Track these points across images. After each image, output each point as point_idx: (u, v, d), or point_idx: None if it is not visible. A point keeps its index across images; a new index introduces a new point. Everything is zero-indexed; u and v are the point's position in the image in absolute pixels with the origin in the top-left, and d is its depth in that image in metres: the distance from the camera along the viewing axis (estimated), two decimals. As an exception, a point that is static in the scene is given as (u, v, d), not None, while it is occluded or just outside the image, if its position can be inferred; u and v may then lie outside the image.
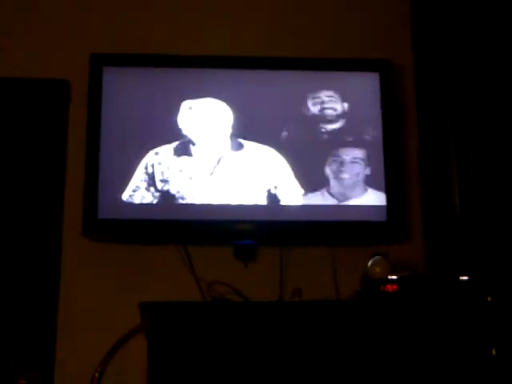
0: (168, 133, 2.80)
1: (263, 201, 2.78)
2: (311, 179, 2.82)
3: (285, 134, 2.84)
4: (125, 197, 2.74)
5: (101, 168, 2.74)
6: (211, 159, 2.80)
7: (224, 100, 2.84)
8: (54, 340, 2.70)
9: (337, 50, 2.99)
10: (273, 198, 2.79)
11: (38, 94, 2.88)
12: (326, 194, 2.81)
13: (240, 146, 2.82)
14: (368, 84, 2.92)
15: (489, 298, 2.46)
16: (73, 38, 2.96)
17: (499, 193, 2.62)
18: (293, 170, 2.81)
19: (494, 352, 2.42)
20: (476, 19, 2.85)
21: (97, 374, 2.66)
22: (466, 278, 2.49)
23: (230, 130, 2.83)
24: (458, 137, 2.67)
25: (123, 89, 2.82)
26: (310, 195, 2.80)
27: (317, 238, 2.82)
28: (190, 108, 2.83)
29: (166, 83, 2.84)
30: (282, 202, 2.79)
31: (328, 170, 2.83)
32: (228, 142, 2.82)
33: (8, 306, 2.70)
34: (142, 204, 2.74)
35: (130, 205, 2.74)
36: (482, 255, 2.57)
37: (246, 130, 2.83)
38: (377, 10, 3.09)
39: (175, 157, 2.78)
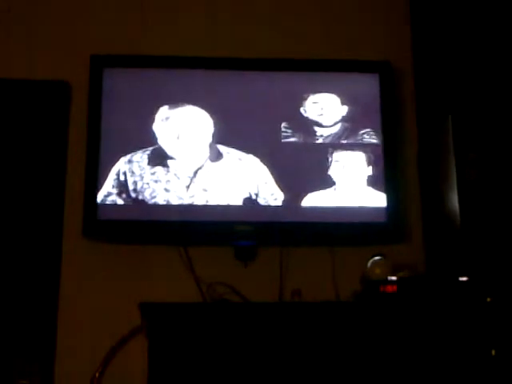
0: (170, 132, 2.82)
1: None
2: (312, 181, 2.82)
3: (281, 135, 2.84)
4: (98, 199, 2.73)
5: (101, 169, 2.74)
6: (188, 171, 2.78)
7: (220, 101, 2.85)
8: (54, 340, 2.71)
9: (336, 51, 3.00)
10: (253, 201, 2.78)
11: (38, 95, 2.88)
12: (327, 195, 2.82)
13: (220, 155, 2.80)
14: (367, 85, 2.92)
15: (488, 299, 2.45)
16: (73, 39, 2.96)
17: (498, 194, 2.62)
18: (287, 173, 2.81)
19: (493, 353, 2.41)
20: (476, 20, 2.85)
21: (97, 375, 2.66)
22: (465, 278, 2.49)
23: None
24: (457, 137, 2.67)
25: (124, 90, 2.83)
26: (311, 197, 2.81)
27: (316, 238, 2.82)
28: (167, 118, 2.82)
29: (166, 84, 2.85)
30: (283, 203, 2.79)
31: (329, 172, 2.84)
32: (207, 151, 2.81)
33: (9, 306, 2.70)
34: (142, 205, 2.74)
35: (130, 206, 2.74)
36: (481, 256, 2.57)
37: (238, 134, 2.84)
38: (376, 11, 3.09)
39: (149, 166, 2.77)
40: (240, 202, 2.77)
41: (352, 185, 2.83)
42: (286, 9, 3.07)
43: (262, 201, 2.79)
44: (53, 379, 2.68)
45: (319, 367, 2.41)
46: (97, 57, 2.85)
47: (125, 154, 2.77)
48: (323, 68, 2.93)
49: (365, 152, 2.86)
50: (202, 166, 2.79)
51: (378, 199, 2.82)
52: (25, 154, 2.83)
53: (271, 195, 2.79)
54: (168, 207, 2.75)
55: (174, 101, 2.83)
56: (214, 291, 2.73)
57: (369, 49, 3.02)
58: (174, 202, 2.75)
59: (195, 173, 2.78)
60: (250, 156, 2.82)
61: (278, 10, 3.07)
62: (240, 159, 2.81)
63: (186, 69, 2.88)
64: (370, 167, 2.85)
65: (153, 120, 2.81)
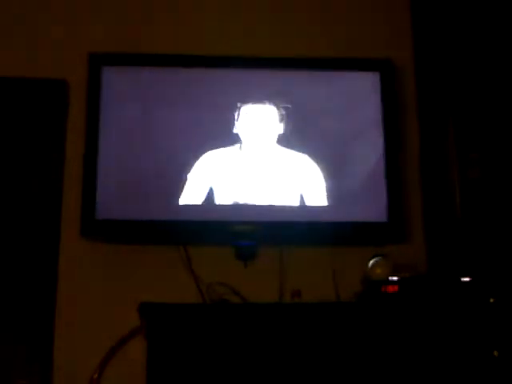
0: (169, 132, 2.80)
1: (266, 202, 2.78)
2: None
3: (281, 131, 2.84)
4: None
5: (99, 168, 2.73)
6: None
7: (219, 100, 2.82)
8: (53, 341, 2.70)
9: (337, 49, 2.99)
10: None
11: (36, 93, 2.88)
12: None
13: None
14: (369, 83, 2.90)
15: (491, 300, 2.45)
16: (71, 37, 2.96)
17: (500, 193, 2.62)
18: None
19: (496, 353, 2.41)
20: (476, 19, 2.85)
21: (96, 375, 2.66)
22: (467, 279, 2.49)
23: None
24: (458, 136, 2.67)
25: (122, 88, 2.81)
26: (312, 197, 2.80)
27: (317, 238, 2.80)
28: None
29: (164, 82, 2.84)
30: (283, 203, 2.78)
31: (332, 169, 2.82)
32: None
33: (6, 306, 2.70)
34: (140, 204, 2.73)
35: (129, 205, 2.73)
36: (483, 256, 2.57)
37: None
38: (377, 9, 3.08)
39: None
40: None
41: (355, 183, 2.82)
42: (287, 8, 3.06)
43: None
44: (51, 379, 2.68)
45: (320, 368, 2.40)
46: (95, 55, 2.84)
47: (124, 151, 2.77)
48: (324, 66, 2.91)
49: (367, 150, 2.84)
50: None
51: (379, 199, 2.80)
52: (22, 152, 2.82)
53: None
54: (167, 206, 2.74)
55: (174, 98, 2.82)
56: (214, 291, 2.72)
57: (370, 47, 3.01)
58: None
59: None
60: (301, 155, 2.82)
61: (279, 8, 3.06)
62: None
63: (185, 67, 2.87)
64: (371, 166, 2.83)
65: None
